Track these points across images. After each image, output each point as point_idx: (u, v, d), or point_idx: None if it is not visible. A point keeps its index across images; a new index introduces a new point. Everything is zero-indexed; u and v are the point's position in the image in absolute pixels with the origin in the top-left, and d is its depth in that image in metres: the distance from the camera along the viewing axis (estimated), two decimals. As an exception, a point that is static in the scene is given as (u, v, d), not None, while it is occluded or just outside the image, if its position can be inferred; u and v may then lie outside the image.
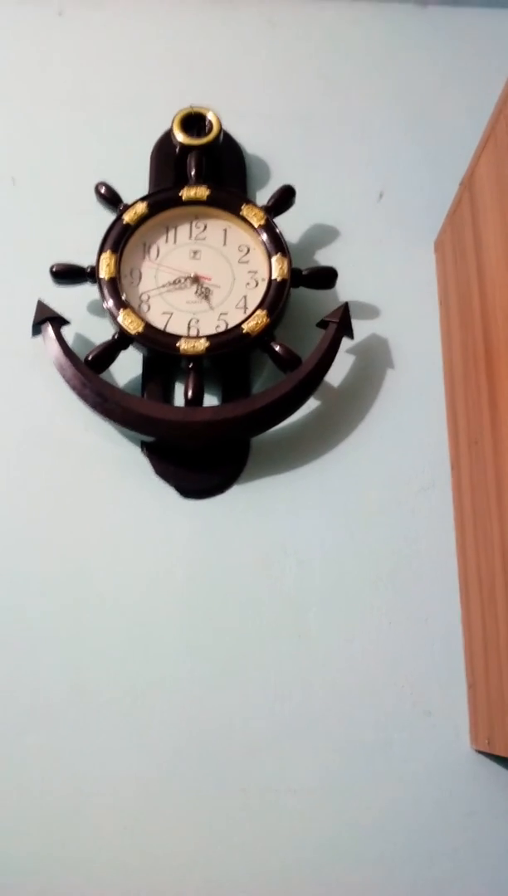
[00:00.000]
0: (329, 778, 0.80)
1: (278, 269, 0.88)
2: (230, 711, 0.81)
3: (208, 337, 0.86)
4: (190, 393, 0.86)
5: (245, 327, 0.86)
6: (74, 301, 0.91)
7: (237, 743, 0.80)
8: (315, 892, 0.77)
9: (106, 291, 0.87)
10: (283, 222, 0.92)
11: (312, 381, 0.87)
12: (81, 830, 0.77)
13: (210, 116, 0.94)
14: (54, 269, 0.89)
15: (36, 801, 0.78)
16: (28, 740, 0.79)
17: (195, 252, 0.91)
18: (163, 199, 0.91)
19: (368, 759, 0.80)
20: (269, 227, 0.90)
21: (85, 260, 0.89)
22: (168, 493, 0.87)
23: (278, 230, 0.90)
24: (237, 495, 0.88)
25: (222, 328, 0.88)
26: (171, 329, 0.87)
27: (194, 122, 0.95)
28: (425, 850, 0.78)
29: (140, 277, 0.90)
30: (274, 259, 0.89)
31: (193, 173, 0.93)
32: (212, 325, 0.88)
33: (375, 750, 0.80)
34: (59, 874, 0.76)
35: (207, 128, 0.95)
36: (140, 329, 0.86)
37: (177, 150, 0.95)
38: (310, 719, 0.81)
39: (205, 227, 0.92)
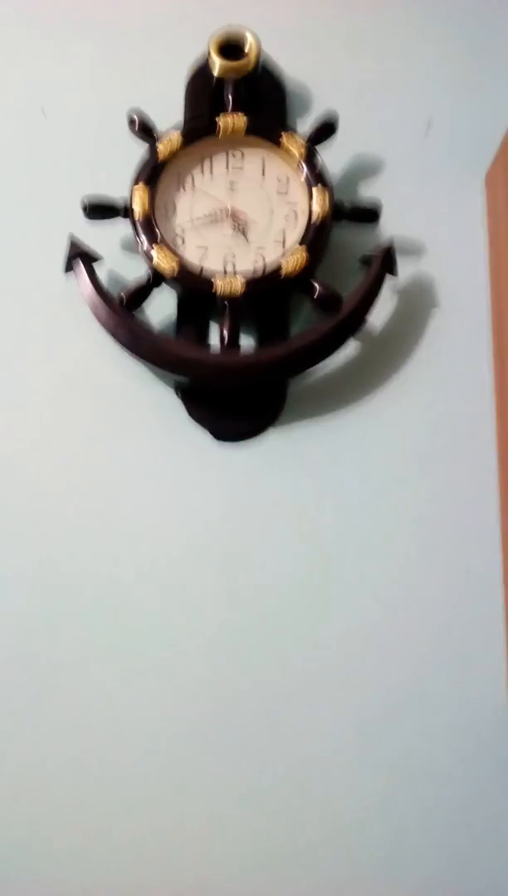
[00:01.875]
0: (363, 726, 0.79)
1: (320, 201, 0.84)
2: (265, 658, 0.80)
3: (246, 276, 0.83)
4: (226, 334, 0.83)
5: (284, 266, 0.83)
6: (106, 237, 0.88)
7: (271, 689, 0.80)
8: (349, 835, 0.77)
9: (140, 227, 0.84)
10: (324, 153, 0.87)
11: (353, 322, 0.83)
12: (113, 770, 0.78)
13: (250, 37, 0.89)
14: (86, 203, 0.85)
15: (68, 743, 0.79)
16: (62, 677, 0.80)
17: (232, 183, 0.87)
18: (198, 128, 0.87)
19: (403, 707, 0.79)
20: (310, 158, 0.86)
21: (119, 192, 0.86)
22: (203, 436, 0.85)
23: (319, 160, 0.85)
24: (273, 439, 0.86)
25: (259, 264, 0.84)
26: (206, 265, 0.84)
27: (231, 48, 0.90)
28: (459, 800, 0.78)
29: (175, 210, 0.86)
30: (315, 191, 0.84)
31: (230, 100, 0.88)
32: (249, 261, 0.84)
33: (410, 699, 0.80)
34: (79, 812, 0.78)
35: (245, 50, 0.89)
36: (174, 265, 0.83)
37: (214, 76, 0.90)
38: (345, 667, 0.80)
39: (242, 156, 0.88)
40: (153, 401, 0.86)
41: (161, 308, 0.88)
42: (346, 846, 0.77)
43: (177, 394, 0.86)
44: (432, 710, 0.79)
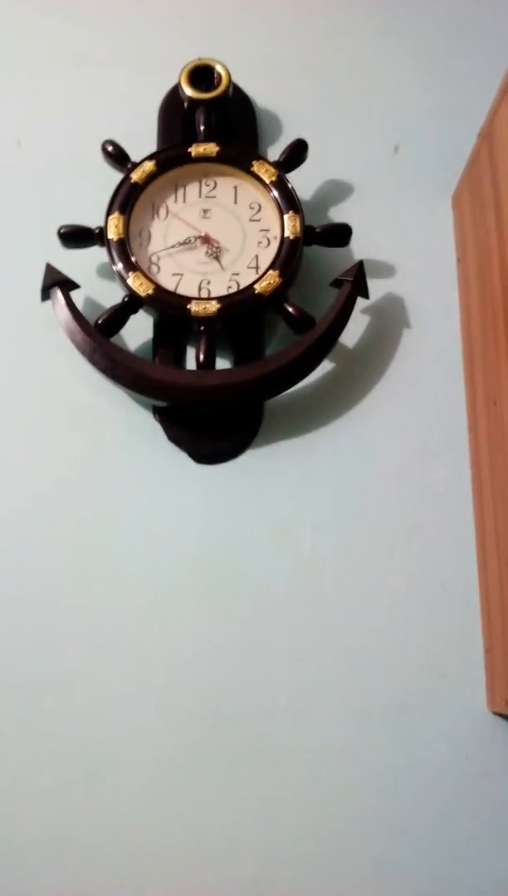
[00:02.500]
0: (345, 741, 0.80)
1: (291, 226, 0.86)
2: (246, 676, 0.81)
3: (220, 298, 0.84)
4: (202, 356, 0.84)
5: (257, 288, 0.85)
6: (83, 264, 0.89)
7: (253, 707, 0.80)
8: (330, 853, 0.78)
9: (115, 254, 0.85)
10: (295, 178, 0.89)
11: (326, 342, 0.85)
12: (95, 794, 0.78)
13: (219, 69, 0.91)
14: (62, 232, 0.87)
15: (51, 763, 0.79)
16: (43, 706, 0.80)
17: (205, 211, 0.89)
18: (171, 156, 0.89)
19: (384, 722, 0.80)
20: (281, 184, 0.88)
21: (93, 221, 0.88)
22: (181, 458, 0.87)
23: (290, 186, 0.88)
24: (251, 460, 0.87)
25: (233, 289, 0.86)
26: (181, 291, 0.86)
27: (202, 76, 0.92)
28: (442, 813, 0.79)
29: (149, 238, 0.88)
30: (286, 216, 0.86)
31: (202, 129, 0.90)
32: (223, 286, 0.86)
33: (391, 713, 0.80)
34: (73, 838, 0.77)
35: (216, 81, 0.91)
36: (150, 291, 0.84)
37: (185, 105, 0.92)
38: (326, 683, 0.81)
39: (215, 184, 0.90)
40: (131, 423, 0.87)
41: (138, 332, 0.89)
42: (332, 861, 0.77)
43: (155, 416, 0.87)
44: (414, 722, 0.80)
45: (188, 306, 0.84)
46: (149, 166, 0.88)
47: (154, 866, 0.77)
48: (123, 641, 0.81)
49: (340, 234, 0.89)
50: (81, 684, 0.80)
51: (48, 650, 0.81)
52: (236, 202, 0.89)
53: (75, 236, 0.87)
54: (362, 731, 0.80)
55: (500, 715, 0.80)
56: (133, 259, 0.85)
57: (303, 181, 0.91)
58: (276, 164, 0.89)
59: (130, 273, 0.85)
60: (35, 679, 0.80)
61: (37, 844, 0.77)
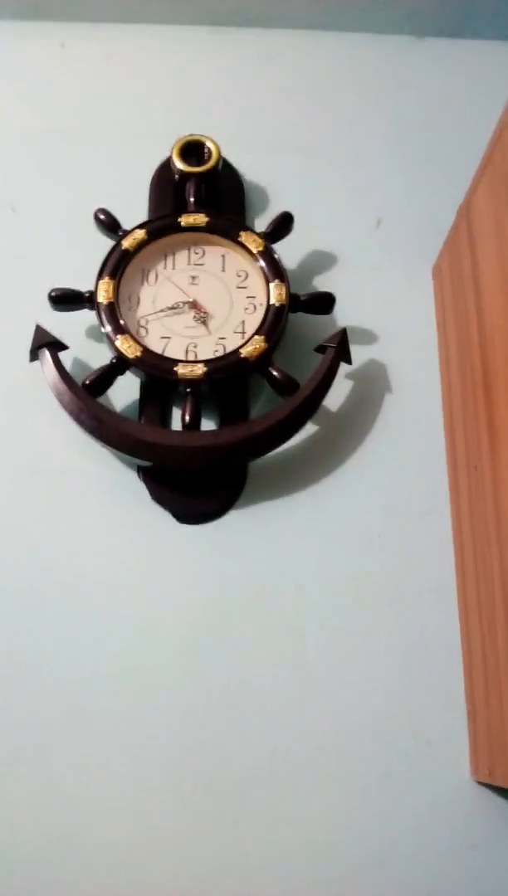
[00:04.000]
0: (326, 808, 0.78)
1: (277, 294, 0.89)
2: (227, 740, 0.79)
3: (206, 362, 0.86)
4: (187, 417, 0.86)
5: (243, 352, 0.87)
6: (73, 326, 0.91)
7: (233, 772, 0.79)
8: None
9: (104, 316, 0.87)
10: (281, 249, 0.92)
11: (310, 405, 0.87)
12: (75, 857, 0.76)
13: (209, 144, 0.95)
14: (53, 294, 0.89)
15: (30, 828, 0.76)
16: (22, 767, 0.78)
17: (194, 277, 0.91)
18: (162, 225, 0.92)
19: (366, 789, 0.79)
20: (267, 254, 0.91)
21: (84, 286, 0.90)
22: (164, 518, 0.87)
23: (276, 256, 0.91)
24: (235, 521, 0.87)
25: (220, 353, 0.88)
26: (169, 354, 0.87)
27: (193, 150, 0.96)
28: (425, 884, 0.77)
29: (138, 302, 0.90)
30: (272, 285, 0.89)
31: (191, 200, 0.94)
32: (210, 349, 0.88)
33: (374, 780, 0.79)
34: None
35: (206, 156, 0.95)
36: (138, 354, 0.86)
37: (176, 177, 0.96)
38: (308, 748, 0.80)
39: (203, 253, 0.93)
40: (116, 483, 0.88)
41: (125, 392, 0.90)
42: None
43: (139, 475, 0.88)
44: (397, 790, 0.79)
45: (175, 369, 0.86)
46: (140, 234, 0.91)
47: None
48: (101, 705, 0.80)
49: (324, 303, 0.91)
50: (57, 749, 0.78)
51: (25, 714, 0.79)
52: (223, 270, 0.92)
53: (65, 299, 0.89)
54: (343, 798, 0.78)
55: (484, 784, 0.79)
56: (122, 322, 0.87)
57: (289, 251, 0.94)
58: (263, 235, 0.92)
59: (118, 335, 0.86)
60: (10, 744, 0.78)
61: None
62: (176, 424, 0.90)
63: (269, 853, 0.77)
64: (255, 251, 0.91)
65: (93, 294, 0.88)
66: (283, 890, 0.76)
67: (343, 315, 0.95)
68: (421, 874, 0.77)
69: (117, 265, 0.89)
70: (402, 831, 0.78)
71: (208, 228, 0.92)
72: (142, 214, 0.97)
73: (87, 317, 0.90)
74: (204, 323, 0.89)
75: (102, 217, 0.92)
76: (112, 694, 0.80)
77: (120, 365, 0.87)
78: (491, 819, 0.78)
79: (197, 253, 0.93)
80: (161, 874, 0.76)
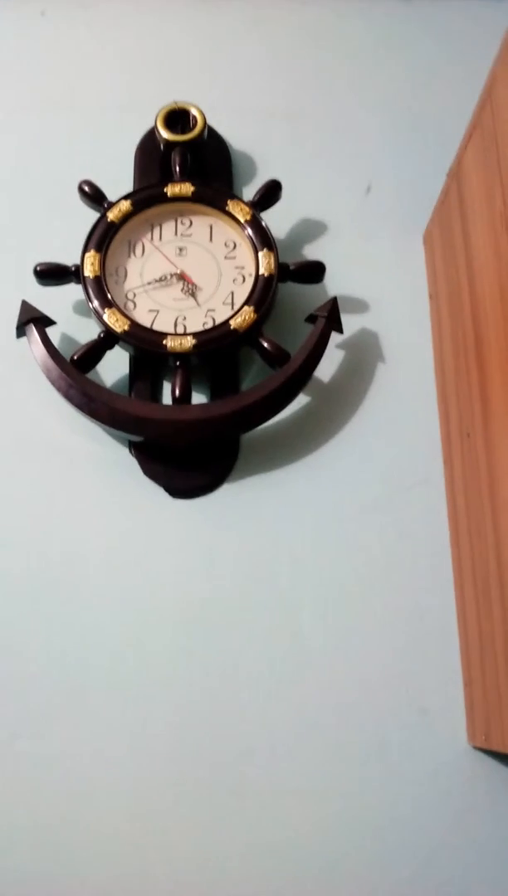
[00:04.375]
0: (326, 778, 0.78)
1: (265, 263, 0.87)
2: (224, 713, 0.80)
3: (195, 334, 0.85)
4: (178, 391, 0.85)
5: (233, 323, 0.86)
6: (59, 301, 0.90)
7: (231, 745, 0.79)
8: (312, 894, 0.76)
9: (91, 290, 0.86)
10: (270, 217, 0.91)
11: (301, 376, 0.86)
12: (74, 835, 0.76)
13: (194, 112, 0.94)
14: (38, 269, 0.88)
15: (29, 807, 0.77)
16: (19, 746, 0.78)
17: (181, 249, 0.90)
18: (147, 196, 0.90)
19: (365, 758, 0.79)
20: (255, 222, 0.89)
21: (70, 259, 0.88)
22: (157, 493, 0.86)
23: (264, 225, 0.89)
24: (227, 494, 0.87)
25: (209, 325, 0.87)
26: (157, 327, 0.86)
27: (178, 118, 0.94)
28: (424, 849, 0.77)
29: (125, 275, 0.89)
30: (261, 254, 0.88)
31: (177, 170, 0.92)
32: (199, 322, 0.87)
33: (371, 749, 0.79)
34: (53, 880, 0.75)
35: (191, 124, 0.94)
36: (126, 328, 0.85)
37: (161, 146, 0.94)
38: (305, 719, 0.80)
39: (190, 223, 0.91)
40: (107, 458, 0.87)
41: (114, 367, 0.90)
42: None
43: (131, 451, 0.87)
44: (395, 758, 0.79)
45: (164, 342, 0.85)
46: (125, 206, 0.89)
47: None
48: (97, 680, 0.80)
49: (313, 271, 0.90)
50: (54, 725, 0.79)
51: (20, 690, 0.80)
52: (211, 240, 0.91)
53: (51, 273, 0.88)
54: (342, 769, 0.79)
55: (481, 749, 0.79)
56: (109, 296, 0.86)
57: (277, 220, 0.93)
58: (250, 204, 0.90)
59: (105, 310, 0.85)
60: (6, 721, 0.79)
61: (9, 889, 0.74)
62: (167, 398, 0.89)
63: (269, 825, 0.77)
64: (243, 220, 0.89)
65: (79, 268, 0.87)
66: (280, 858, 0.76)
67: (334, 284, 0.94)
68: (421, 839, 0.77)
69: (103, 238, 0.88)
70: (401, 798, 0.78)
71: (194, 198, 0.90)
72: (127, 185, 0.96)
73: (73, 291, 0.89)
74: (192, 295, 0.88)
75: (86, 189, 0.90)
76: (107, 670, 0.80)
77: (108, 339, 0.86)
78: (489, 783, 0.79)
79: (184, 223, 0.91)
80: (160, 850, 0.76)
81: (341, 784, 0.78)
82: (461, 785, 0.79)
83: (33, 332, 0.86)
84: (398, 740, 0.80)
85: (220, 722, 0.79)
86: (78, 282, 0.88)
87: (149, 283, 0.89)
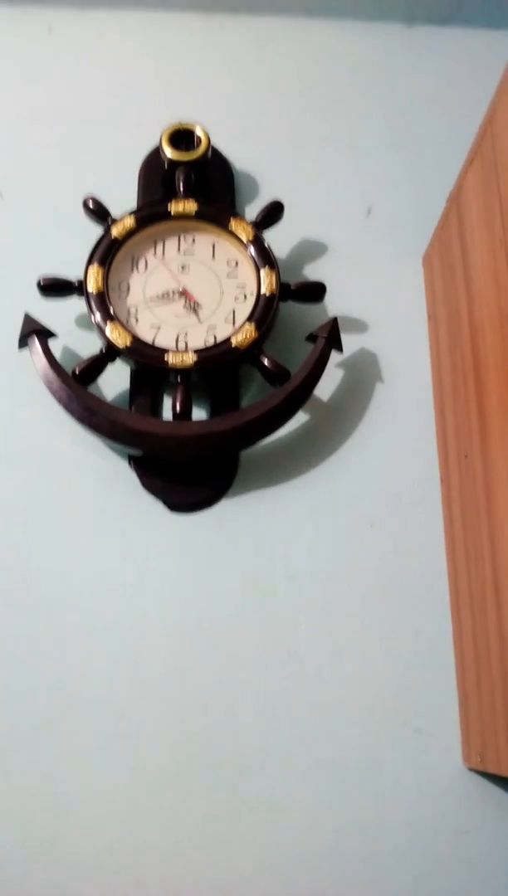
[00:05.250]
0: (319, 797, 0.78)
1: (267, 282, 0.88)
2: (218, 730, 0.79)
3: (197, 350, 0.86)
4: (178, 406, 0.85)
5: (234, 341, 0.86)
6: (62, 314, 0.91)
7: (225, 762, 0.78)
8: (305, 915, 0.75)
9: (93, 305, 0.87)
10: (271, 237, 0.92)
11: (301, 394, 0.87)
12: (67, 851, 0.75)
13: (198, 132, 0.95)
14: (42, 283, 0.88)
15: (20, 820, 0.76)
16: (11, 758, 0.77)
17: (183, 266, 0.91)
18: (151, 213, 0.91)
19: (358, 777, 0.79)
20: (257, 242, 0.90)
21: (73, 274, 0.89)
22: (156, 507, 0.86)
23: (266, 244, 0.90)
24: (226, 510, 0.87)
25: (210, 342, 0.87)
26: (159, 342, 0.87)
27: (182, 137, 0.95)
28: (417, 871, 0.77)
29: (128, 290, 0.89)
30: (263, 273, 0.89)
31: (181, 188, 0.93)
32: (200, 338, 0.88)
33: (366, 768, 0.79)
34: (44, 893, 0.74)
35: (195, 143, 0.95)
36: (128, 342, 0.85)
37: (165, 165, 0.95)
38: (300, 737, 0.80)
39: (193, 241, 0.92)
40: (107, 472, 0.87)
41: (115, 381, 0.90)
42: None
43: (130, 465, 0.88)
44: (388, 779, 0.79)
45: (166, 357, 0.85)
46: (129, 222, 0.90)
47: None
48: (93, 693, 0.80)
49: (314, 291, 0.91)
50: (48, 740, 0.78)
51: (13, 704, 0.79)
52: (214, 258, 0.92)
53: (55, 287, 0.88)
54: (336, 787, 0.78)
55: (476, 771, 0.79)
56: (112, 310, 0.87)
57: (279, 240, 0.94)
58: (253, 223, 0.91)
59: (108, 324, 0.86)
60: (2, 733, 0.78)
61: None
62: (167, 413, 0.90)
63: (262, 841, 0.77)
64: (245, 239, 0.90)
65: (82, 282, 0.88)
66: (276, 877, 0.76)
67: (334, 304, 0.95)
68: (414, 860, 0.77)
69: (107, 253, 0.89)
70: (395, 818, 0.78)
71: (197, 216, 0.91)
72: (131, 202, 0.96)
73: (76, 305, 0.89)
74: (194, 311, 0.89)
75: (90, 205, 0.91)
76: (104, 683, 0.80)
77: (110, 353, 0.86)
78: (483, 805, 0.79)
79: (187, 241, 0.92)
80: (155, 867, 0.75)
81: (335, 803, 0.78)
82: (455, 806, 0.79)
83: (35, 344, 0.86)
84: (393, 760, 0.80)
85: (215, 739, 0.79)
86: (81, 296, 0.88)
87: (151, 299, 0.89)
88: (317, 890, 0.76)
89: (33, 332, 0.87)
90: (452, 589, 0.85)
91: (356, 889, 0.76)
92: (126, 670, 0.81)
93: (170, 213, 0.91)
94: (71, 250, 0.90)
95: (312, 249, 0.99)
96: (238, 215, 0.92)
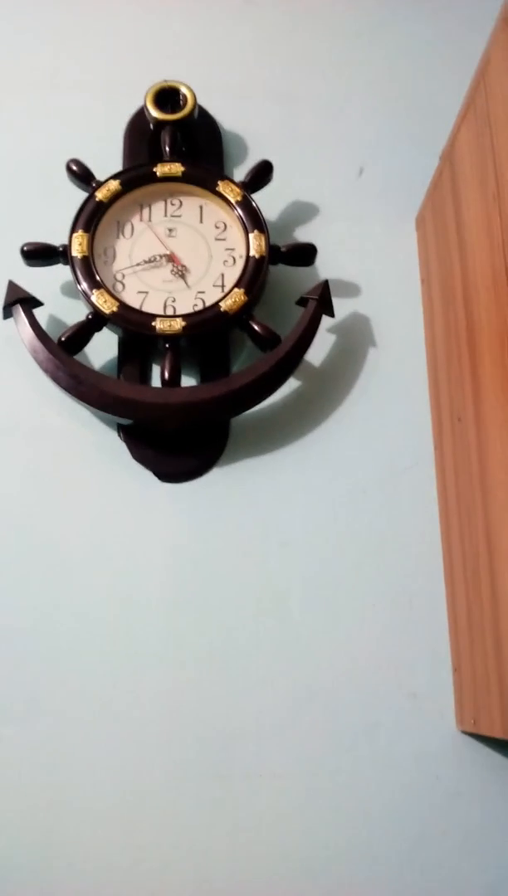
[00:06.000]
0: (314, 762, 0.78)
1: (256, 245, 0.86)
2: (212, 696, 0.79)
3: (185, 316, 0.84)
4: (167, 373, 0.84)
5: (223, 306, 0.85)
6: (47, 282, 0.89)
7: (220, 728, 0.79)
8: (301, 878, 0.76)
9: (79, 271, 0.85)
10: (261, 199, 0.90)
11: (291, 359, 0.85)
12: (63, 821, 0.76)
13: (184, 91, 0.92)
14: (25, 249, 0.86)
15: (16, 795, 0.76)
16: (6, 732, 0.77)
17: (171, 230, 0.89)
18: (136, 175, 0.89)
19: (353, 742, 0.79)
20: (246, 204, 0.88)
21: (57, 239, 0.87)
22: (146, 477, 0.86)
23: (255, 206, 0.88)
24: (217, 478, 0.86)
25: (199, 307, 0.86)
26: (146, 308, 0.85)
27: (168, 98, 0.93)
28: (412, 833, 0.77)
29: (114, 256, 0.88)
30: (252, 236, 0.87)
31: (167, 149, 0.91)
32: (189, 304, 0.86)
33: (360, 733, 0.79)
34: (41, 864, 0.75)
35: (181, 103, 0.92)
36: (114, 309, 0.84)
37: (151, 126, 0.93)
38: (294, 703, 0.80)
39: (180, 204, 0.90)
40: (96, 442, 0.86)
41: (103, 349, 0.88)
42: (302, 885, 0.75)
43: (119, 434, 0.86)
44: (382, 743, 0.79)
45: (153, 324, 0.84)
46: (114, 185, 0.88)
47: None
48: (87, 663, 0.79)
49: (305, 254, 0.89)
50: (43, 709, 0.78)
51: (9, 674, 0.79)
52: (201, 221, 0.89)
53: (39, 254, 0.87)
54: (330, 752, 0.79)
55: (469, 734, 0.79)
56: (97, 277, 0.85)
57: (269, 202, 0.92)
58: (241, 185, 0.89)
59: (94, 291, 0.84)
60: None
61: (3, 872, 0.74)
62: (156, 381, 0.88)
63: (256, 807, 0.77)
64: (233, 201, 0.88)
65: (67, 248, 0.86)
66: (272, 843, 0.76)
67: (325, 267, 0.93)
68: (409, 823, 0.77)
69: (91, 218, 0.87)
70: (390, 782, 0.78)
71: (184, 178, 0.89)
72: (116, 165, 0.94)
73: (61, 272, 0.88)
74: (182, 276, 0.87)
75: (74, 168, 0.89)
76: (97, 654, 0.80)
77: (96, 321, 0.85)
78: (476, 767, 0.79)
79: (174, 204, 0.90)
80: (149, 832, 0.76)
81: (329, 767, 0.78)
82: (449, 769, 0.79)
83: (20, 313, 0.84)
84: (387, 724, 0.80)
85: (208, 705, 0.79)
86: (66, 262, 0.86)
87: (138, 265, 0.87)
88: (310, 853, 0.76)
89: (18, 300, 0.85)
90: (445, 554, 0.84)
91: (352, 852, 0.76)
92: (118, 639, 0.80)
93: (156, 175, 0.89)
94: (55, 216, 0.89)
95: (302, 211, 0.96)
96: (226, 177, 0.90)
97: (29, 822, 0.75)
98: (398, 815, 0.78)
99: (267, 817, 0.77)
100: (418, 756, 0.79)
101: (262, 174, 0.90)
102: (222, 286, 0.87)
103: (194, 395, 0.83)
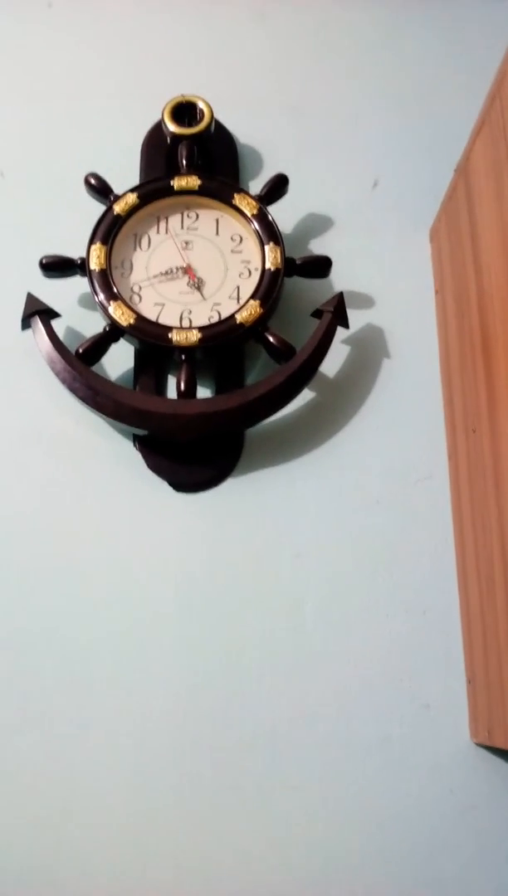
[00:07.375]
0: (327, 774, 0.78)
1: (272, 258, 0.87)
2: (226, 707, 0.80)
3: (201, 328, 0.85)
4: (182, 385, 0.85)
5: (238, 318, 0.85)
6: (65, 294, 0.90)
7: (233, 739, 0.79)
8: (314, 889, 0.76)
9: (96, 283, 0.86)
10: (276, 211, 0.90)
11: (306, 371, 0.86)
12: (74, 826, 0.76)
13: (201, 105, 0.93)
14: (44, 262, 0.88)
15: (30, 798, 0.77)
16: (21, 738, 0.78)
17: (187, 242, 0.90)
18: (154, 189, 0.90)
19: (366, 753, 0.79)
20: (262, 216, 0.89)
21: (75, 252, 0.88)
22: (161, 487, 0.86)
23: (271, 218, 0.89)
24: (232, 488, 0.87)
25: (214, 319, 0.86)
26: (163, 320, 0.86)
27: (185, 111, 0.94)
28: (425, 846, 0.77)
29: (131, 268, 0.89)
30: (267, 248, 0.88)
31: (184, 163, 0.92)
32: (205, 315, 0.87)
33: (373, 744, 0.79)
34: (53, 871, 0.75)
35: (198, 117, 0.93)
36: (131, 321, 0.85)
37: (168, 140, 0.94)
38: (307, 714, 0.80)
39: (197, 216, 0.91)
40: (112, 452, 0.87)
41: (119, 361, 0.89)
42: (312, 895, 0.76)
43: (135, 445, 0.87)
44: (395, 754, 0.79)
45: (170, 335, 0.84)
46: (131, 198, 0.89)
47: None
48: (100, 672, 0.80)
49: (320, 266, 0.90)
50: (56, 716, 0.79)
51: (25, 678, 0.80)
52: (217, 234, 0.90)
53: (57, 266, 0.88)
54: (343, 763, 0.79)
55: (483, 746, 0.79)
56: (115, 289, 0.86)
57: (284, 214, 0.93)
58: (257, 198, 0.90)
59: (111, 302, 0.85)
60: (9, 712, 0.79)
61: (12, 878, 0.75)
62: (171, 392, 0.89)
63: (269, 817, 0.77)
64: (249, 214, 0.89)
65: (85, 260, 0.87)
66: (284, 853, 0.76)
67: (340, 279, 0.93)
68: (422, 835, 0.77)
69: (109, 230, 0.88)
70: (402, 793, 0.78)
71: (201, 191, 0.90)
72: (134, 178, 0.95)
73: (79, 284, 0.89)
74: (198, 289, 0.88)
75: (92, 181, 0.90)
76: (111, 662, 0.80)
77: (114, 332, 0.86)
78: (490, 780, 0.79)
79: (190, 217, 0.91)
80: (160, 840, 0.76)
81: (342, 778, 0.78)
82: (462, 781, 0.79)
83: (38, 324, 0.86)
84: (400, 735, 0.80)
85: (222, 715, 0.79)
86: (83, 275, 0.87)
87: (155, 277, 0.88)
88: (322, 864, 0.76)
89: (36, 312, 0.86)
90: (459, 565, 0.84)
91: (363, 863, 0.76)
92: (133, 649, 0.81)
93: (173, 188, 0.90)
94: (73, 229, 0.90)
95: (317, 223, 0.97)
96: (242, 190, 0.91)
97: (39, 831, 0.76)
98: (411, 827, 0.78)
99: (280, 828, 0.77)
100: (431, 768, 0.79)
101: (277, 187, 0.91)
102: (238, 298, 0.88)
103: (209, 406, 0.84)
